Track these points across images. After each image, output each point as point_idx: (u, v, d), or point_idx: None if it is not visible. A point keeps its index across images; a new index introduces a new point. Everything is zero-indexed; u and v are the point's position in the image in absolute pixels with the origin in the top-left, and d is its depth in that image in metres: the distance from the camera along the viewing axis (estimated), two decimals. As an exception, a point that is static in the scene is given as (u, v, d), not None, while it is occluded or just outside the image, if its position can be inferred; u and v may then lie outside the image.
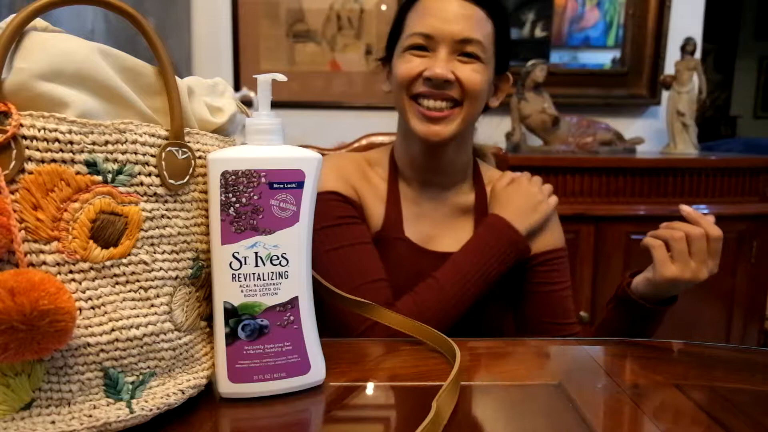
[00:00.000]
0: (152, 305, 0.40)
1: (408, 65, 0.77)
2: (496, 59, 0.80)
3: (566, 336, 0.81)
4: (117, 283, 0.39)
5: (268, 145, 0.46)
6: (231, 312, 0.44)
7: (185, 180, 0.43)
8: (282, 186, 0.44)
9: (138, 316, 0.39)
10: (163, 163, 0.41)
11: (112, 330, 0.38)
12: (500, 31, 0.80)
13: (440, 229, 0.83)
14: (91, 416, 0.37)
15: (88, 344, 0.37)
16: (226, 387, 0.45)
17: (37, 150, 0.36)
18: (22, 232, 0.35)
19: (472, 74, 0.76)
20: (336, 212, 0.78)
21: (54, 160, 0.36)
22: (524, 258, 0.80)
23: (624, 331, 0.75)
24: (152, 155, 0.41)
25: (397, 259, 0.80)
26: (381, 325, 0.60)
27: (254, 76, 0.48)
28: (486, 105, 0.83)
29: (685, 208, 0.71)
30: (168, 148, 0.42)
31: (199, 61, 1.91)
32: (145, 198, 0.40)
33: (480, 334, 0.82)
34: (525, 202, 0.80)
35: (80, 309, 0.37)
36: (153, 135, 0.41)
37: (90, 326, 0.37)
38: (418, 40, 0.77)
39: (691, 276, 0.69)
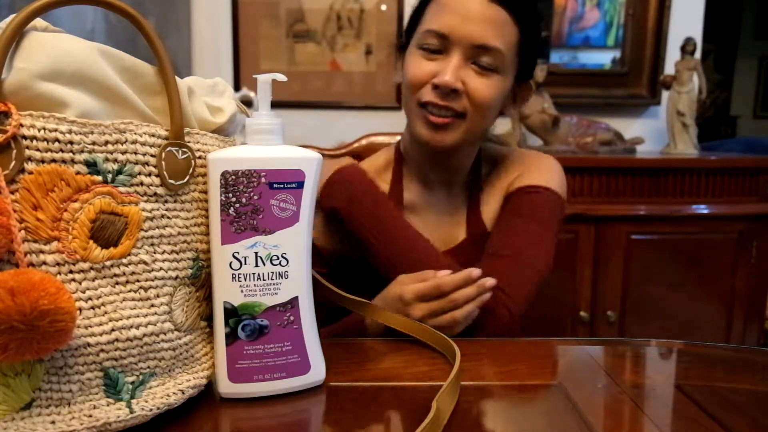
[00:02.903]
0: (152, 305, 0.40)
1: (418, 69, 0.73)
2: (518, 67, 0.75)
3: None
4: (117, 283, 0.39)
5: (268, 145, 0.46)
6: (231, 312, 0.44)
7: (185, 180, 0.43)
8: (282, 186, 0.44)
9: (138, 316, 0.39)
10: (163, 163, 0.41)
11: (112, 330, 0.38)
12: (527, 37, 0.73)
13: (430, 233, 0.79)
14: (91, 416, 0.37)
15: (88, 344, 0.37)
16: (226, 387, 0.45)
17: (37, 150, 0.36)
18: (22, 232, 0.35)
19: (483, 88, 0.71)
20: None
21: (54, 160, 0.36)
22: None
23: None
24: (152, 155, 0.41)
25: None
26: None
27: (254, 76, 0.48)
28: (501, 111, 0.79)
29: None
30: (168, 148, 0.42)
31: (199, 61, 1.91)
32: (145, 198, 0.40)
33: None
34: None
35: (80, 309, 0.37)
36: (153, 135, 0.41)
37: (90, 326, 0.37)
38: (431, 39, 0.72)
39: None
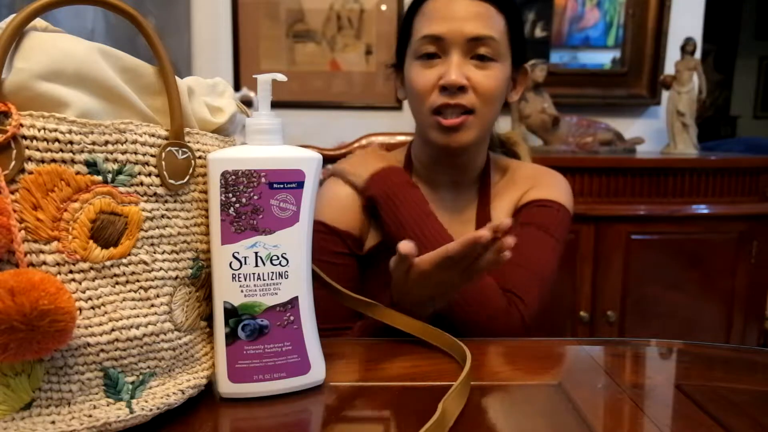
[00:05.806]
0: (152, 305, 0.40)
1: (422, 78, 0.75)
2: (511, 54, 0.78)
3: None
4: (117, 283, 0.39)
5: (268, 145, 0.46)
6: (231, 312, 0.44)
7: (185, 180, 0.43)
8: (282, 186, 0.44)
9: (138, 316, 0.39)
10: (163, 163, 0.41)
11: (112, 330, 0.38)
12: (513, 24, 0.77)
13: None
14: (91, 416, 0.37)
15: (88, 344, 0.37)
16: (226, 387, 0.45)
17: (37, 150, 0.36)
18: (22, 232, 0.35)
19: (487, 80, 0.74)
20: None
21: (54, 160, 0.36)
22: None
23: None
24: (152, 155, 0.41)
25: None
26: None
27: (254, 76, 0.48)
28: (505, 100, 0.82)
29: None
30: (168, 148, 0.42)
31: (199, 61, 1.91)
32: (145, 198, 0.40)
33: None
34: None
35: (80, 309, 0.37)
36: (153, 135, 0.41)
37: (90, 326, 0.37)
38: (428, 45, 0.75)
39: None
